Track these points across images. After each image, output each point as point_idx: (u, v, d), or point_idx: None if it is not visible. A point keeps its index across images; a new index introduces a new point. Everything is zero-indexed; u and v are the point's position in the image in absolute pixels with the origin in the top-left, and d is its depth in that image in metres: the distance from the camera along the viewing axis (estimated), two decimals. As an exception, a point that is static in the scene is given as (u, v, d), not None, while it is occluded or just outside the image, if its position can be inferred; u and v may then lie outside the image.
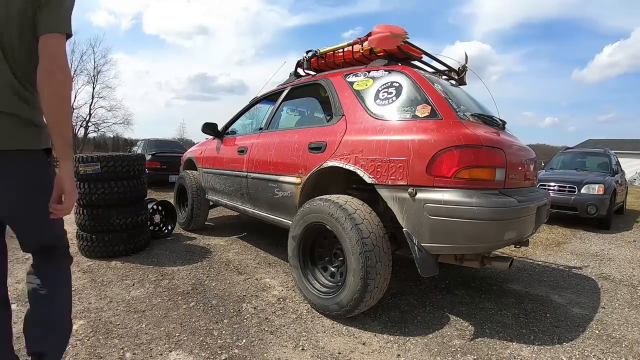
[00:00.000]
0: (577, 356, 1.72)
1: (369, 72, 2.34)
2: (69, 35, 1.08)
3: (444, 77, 2.70)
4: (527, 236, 2.03)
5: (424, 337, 1.85)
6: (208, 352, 1.63)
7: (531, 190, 2.17)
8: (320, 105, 3.20)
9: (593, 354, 1.75)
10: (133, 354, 1.59)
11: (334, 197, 2.02)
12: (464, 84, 2.71)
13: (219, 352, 1.63)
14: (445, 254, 1.90)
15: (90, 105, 30.37)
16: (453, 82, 2.64)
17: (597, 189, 5.16)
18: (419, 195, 1.73)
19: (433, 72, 2.65)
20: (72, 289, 2.23)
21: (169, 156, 7.61)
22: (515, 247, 2.56)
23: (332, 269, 2.13)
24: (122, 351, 1.61)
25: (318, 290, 2.07)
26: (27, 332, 1.20)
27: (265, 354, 1.63)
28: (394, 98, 2.06)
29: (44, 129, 1.13)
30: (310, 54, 2.91)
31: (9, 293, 2.13)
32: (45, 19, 1.05)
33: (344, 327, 1.90)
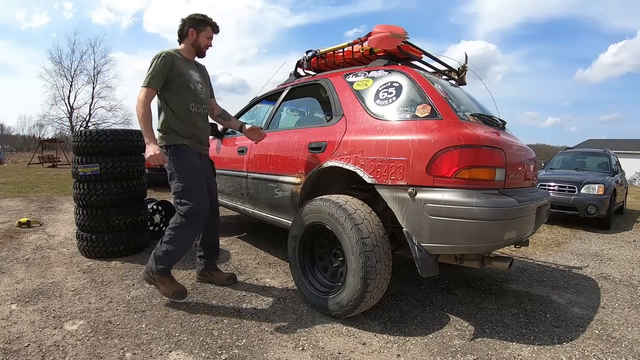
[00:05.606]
0: (577, 356, 1.72)
1: (369, 72, 2.34)
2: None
3: (444, 77, 2.70)
4: (527, 236, 2.03)
5: (424, 337, 1.85)
6: (208, 352, 1.63)
7: (531, 190, 2.17)
8: (320, 105, 3.20)
9: (593, 354, 1.75)
10: (133, 354, 1.59)
11: (333, 197, 2.01)
12: (464, 84, 2.71)
13: (219, 352, 1.63)
14: (445, 254, 1.90)
15: (90, 105, 30.48)
16: (453, 82, 2.64)
17: (597, 189, 5.16)
18: (419, 195, 1.73)
19: (433, 72, 2.65)
20: (73, 289, 2.24)
21: (169, 156, 7.59)
22: (515, 247, 2.56)
23: (332, 269, 2.13)
24: (122, 351, 1.60)
25: (318, 290, 2.07)
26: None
27: (265, 354, 1.63)
28: (394, 98, 2.06)
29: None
30: (310, 54, 2.90)
31: (10, 293, 2.14)
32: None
33: (344, 327, 1.90)
